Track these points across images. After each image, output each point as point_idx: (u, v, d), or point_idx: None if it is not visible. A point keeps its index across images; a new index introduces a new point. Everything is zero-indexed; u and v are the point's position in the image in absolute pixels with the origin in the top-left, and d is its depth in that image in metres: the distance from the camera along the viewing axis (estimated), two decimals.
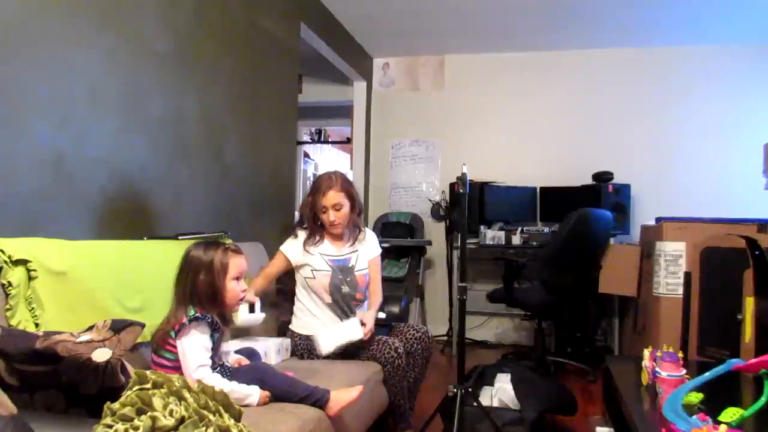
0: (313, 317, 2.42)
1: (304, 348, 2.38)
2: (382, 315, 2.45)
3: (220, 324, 1.74)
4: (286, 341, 2.38)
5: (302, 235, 2.47)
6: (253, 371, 1.76)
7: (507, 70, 4.90)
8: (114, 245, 1.87)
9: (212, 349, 1.72)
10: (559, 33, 4.43)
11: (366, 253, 2.54)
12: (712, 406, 1.49)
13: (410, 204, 5.07)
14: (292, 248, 2.46)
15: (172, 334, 1.67)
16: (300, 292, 2.47)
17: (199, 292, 1.71)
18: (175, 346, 1.67)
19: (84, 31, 1.91)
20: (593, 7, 3.88)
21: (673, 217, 3.22)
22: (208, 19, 2.63)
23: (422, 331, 2.42)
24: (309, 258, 2.42)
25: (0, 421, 0.99)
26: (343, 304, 2.41)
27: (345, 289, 2.42)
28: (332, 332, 2.28)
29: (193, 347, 1.66)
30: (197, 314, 1.67)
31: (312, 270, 2.41)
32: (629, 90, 4.66)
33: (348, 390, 1.79)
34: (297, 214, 3.10)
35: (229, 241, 1.94)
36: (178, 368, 1.66)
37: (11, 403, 1.05)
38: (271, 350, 2.23)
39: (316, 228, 2.46)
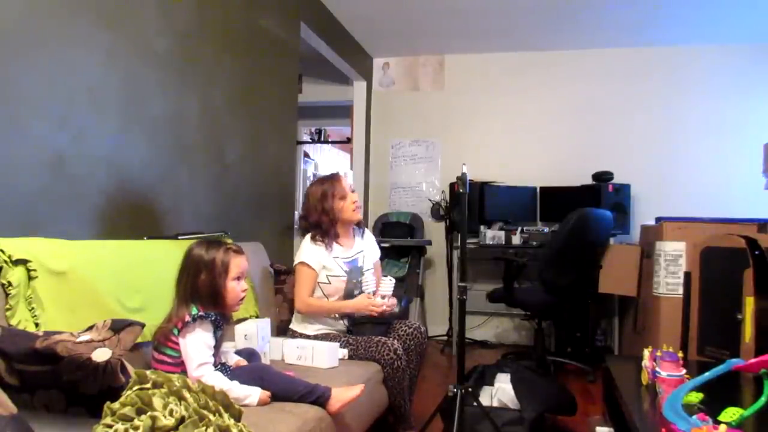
0: (316, 317, 2.43)
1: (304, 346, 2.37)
2: None
3: (223, 322, 1.75)
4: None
5: (317, 240, 2.44)
6: (253, 371, 1.76)
7: (507, 70, 4.90)
8: (114, 245, 1.87)
9: (214, 347, 1.72)
10: (559, 33, 4.43)
11: (370, 253, 2.59)
12: (712, 406, 1.49)
13: (410, 204, 5.07)
14: (312, 255, 2.41)
15: (175, 331, 1.68)
16: None
17: (200, 292, 1.72)
18: (177, 344, 1.68)
19: (84, 31, 1.91)
20: (593, 7, 3.88)
21: (673, 217, 3.23)
22: (208, 19, 2.63)
23: (414, 327, 2.43)
24: (326, 262, 2.42)
25: (0, 421, 0.99)
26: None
27: (356, 292, 2.45)
28: (319, 350, 2.19)
29: (196, 345, 1.66)
30: (201, 313, 1.68)
31: (328, 275, 2.42)
32: (629, 90, 4.66)
33: (349, 388, 1.79)
34: (296, 217, 3.10)
35: (230, 241, 1.94)
36: (179, 365, 1.67)
37: (11, 403, 1.05)
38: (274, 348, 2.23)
39: (331, 228, 2.43)
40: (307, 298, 2.38)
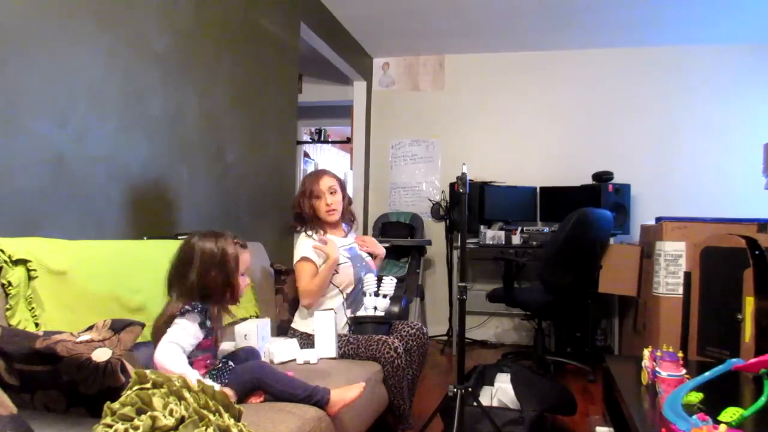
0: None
1: (305, 346, 2.37)
2: (381, 313, 2.45)
3: (209, 313, 1.69)
4: (292, 341, 2.37)
5: (310, 235, 2.46)
6: (252, 371, 1.74)
7: (507, 70, 4.90)
8: (114, 245, 1.87)
9: (212, 345, 1.72)
10: (559, 33, 4.43)
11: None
12: (712, 406, 1.49)
13: (410, 204, 5.07)
14: (312, 250, 2.41)
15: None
16: None
17: (210, 287, 1.68)
18: None
19: (84, 30, 1.91)
20: (593, 7, 3.88)
21: (673, 217, 3.22)
22: (208, 19, 2.63)
23: (417, 328, 2.43)
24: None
25: (0, 421, 0.99)
26: (359, 292, 2.44)
27: (363, 274, 2.45)
28: (289, 349, 2.23)
29: (177, 330, 1.62)
30: (187, 307, 1.65)
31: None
32: (629, 90, 4.66)
33: (349, 388, 1.78)
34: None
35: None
36: None
37: (11, 403, 1.05)
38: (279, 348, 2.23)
39: (318, 222, 2.47)
40: (308, 283, 2.36)
